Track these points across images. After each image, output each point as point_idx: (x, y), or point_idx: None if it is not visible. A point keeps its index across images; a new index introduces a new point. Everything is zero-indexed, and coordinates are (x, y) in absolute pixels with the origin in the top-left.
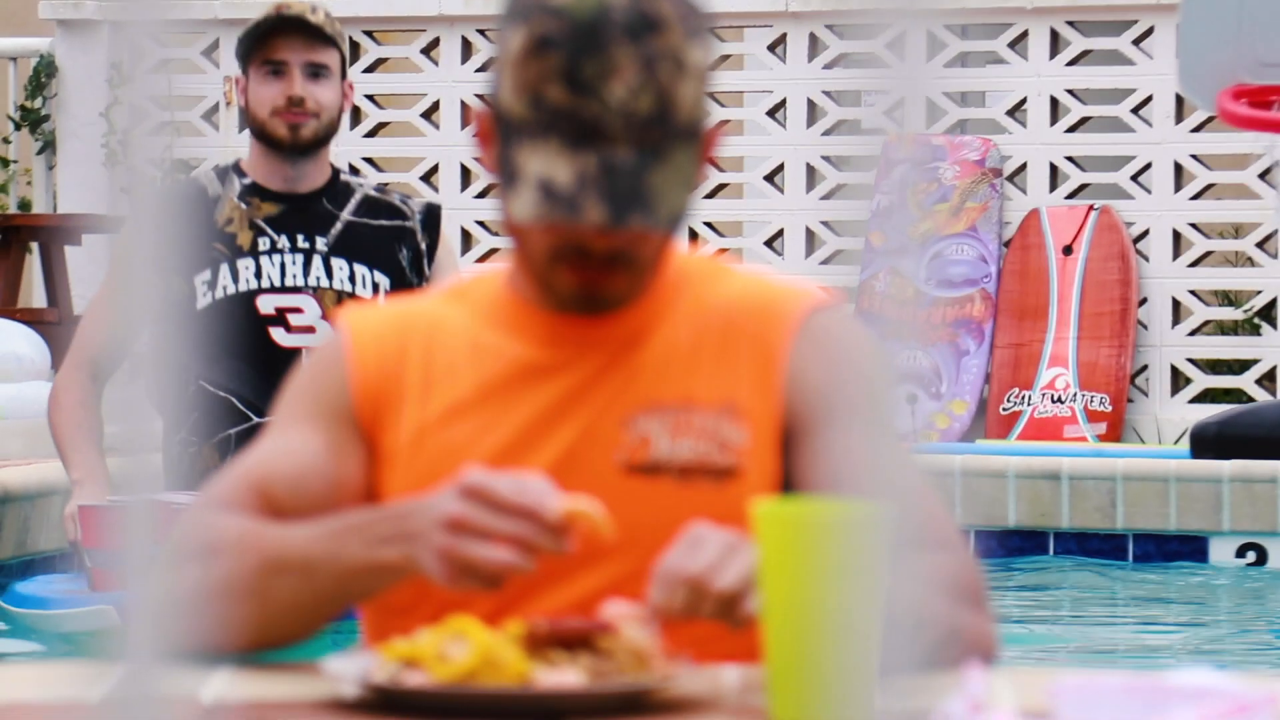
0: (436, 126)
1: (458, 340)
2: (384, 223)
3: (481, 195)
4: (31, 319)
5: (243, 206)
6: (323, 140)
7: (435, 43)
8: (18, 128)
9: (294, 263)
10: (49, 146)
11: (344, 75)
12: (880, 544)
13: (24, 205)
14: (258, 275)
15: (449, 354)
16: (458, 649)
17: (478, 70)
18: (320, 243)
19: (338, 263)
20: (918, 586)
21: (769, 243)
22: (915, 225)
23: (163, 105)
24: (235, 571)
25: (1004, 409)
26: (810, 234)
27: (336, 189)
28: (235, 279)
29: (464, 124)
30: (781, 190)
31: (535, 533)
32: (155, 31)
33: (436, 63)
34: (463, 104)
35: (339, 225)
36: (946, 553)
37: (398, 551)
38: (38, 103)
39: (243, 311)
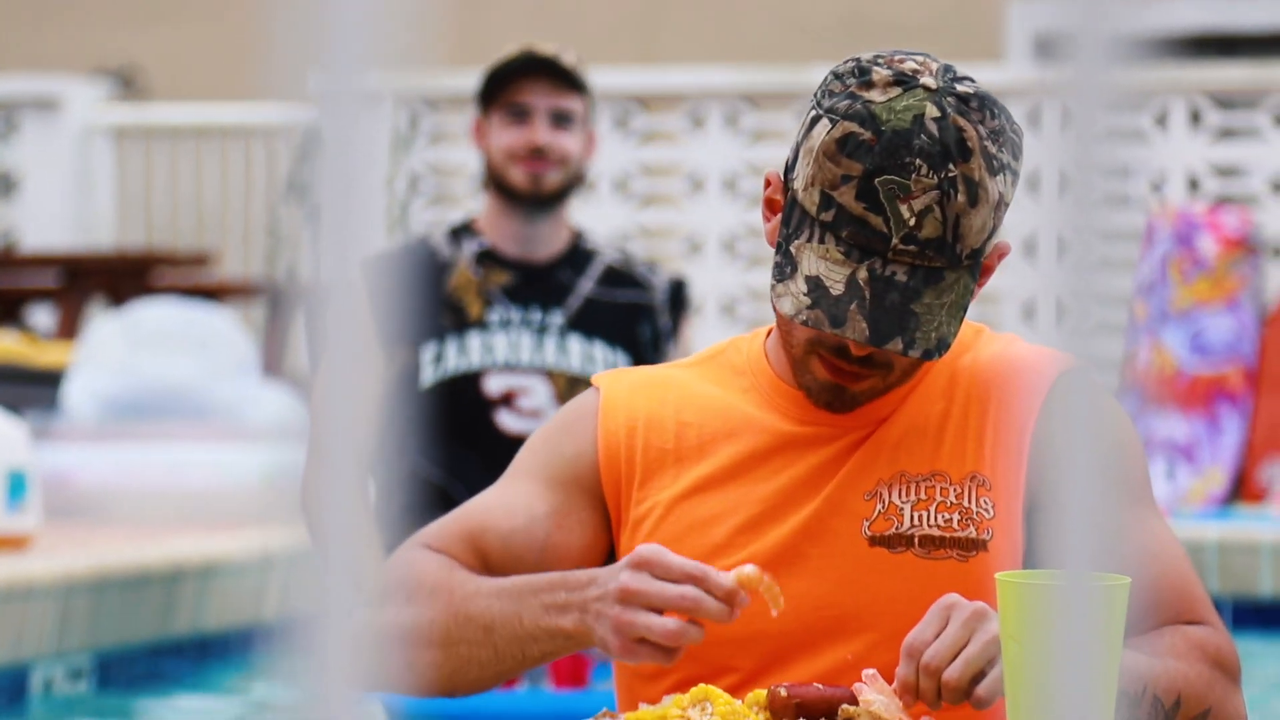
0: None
1: (712, 411)
2: (625, 298)
3: None
4: None
5: (475, 275)
6: (564, 193)
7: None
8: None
9: (527, 339)
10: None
11: (588, 124)
12: (1123, 616)
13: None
14: (487, 351)
15: (702, 425)
16: (702, 715)
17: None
18: (556, 316)
19: (574, 340)
20: (1179, 660)
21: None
22: (1176, 298)
23: (439, 175)
24: (426, 618)
25: (1260, 481)
26: (1063, 306)
27: (577, 255)
28: (463, 354)
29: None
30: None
31: (701, 598)
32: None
33: None
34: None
35: (577, 299)
36: (1204, 627)
37: (574, 621)
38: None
39: (468, 392)
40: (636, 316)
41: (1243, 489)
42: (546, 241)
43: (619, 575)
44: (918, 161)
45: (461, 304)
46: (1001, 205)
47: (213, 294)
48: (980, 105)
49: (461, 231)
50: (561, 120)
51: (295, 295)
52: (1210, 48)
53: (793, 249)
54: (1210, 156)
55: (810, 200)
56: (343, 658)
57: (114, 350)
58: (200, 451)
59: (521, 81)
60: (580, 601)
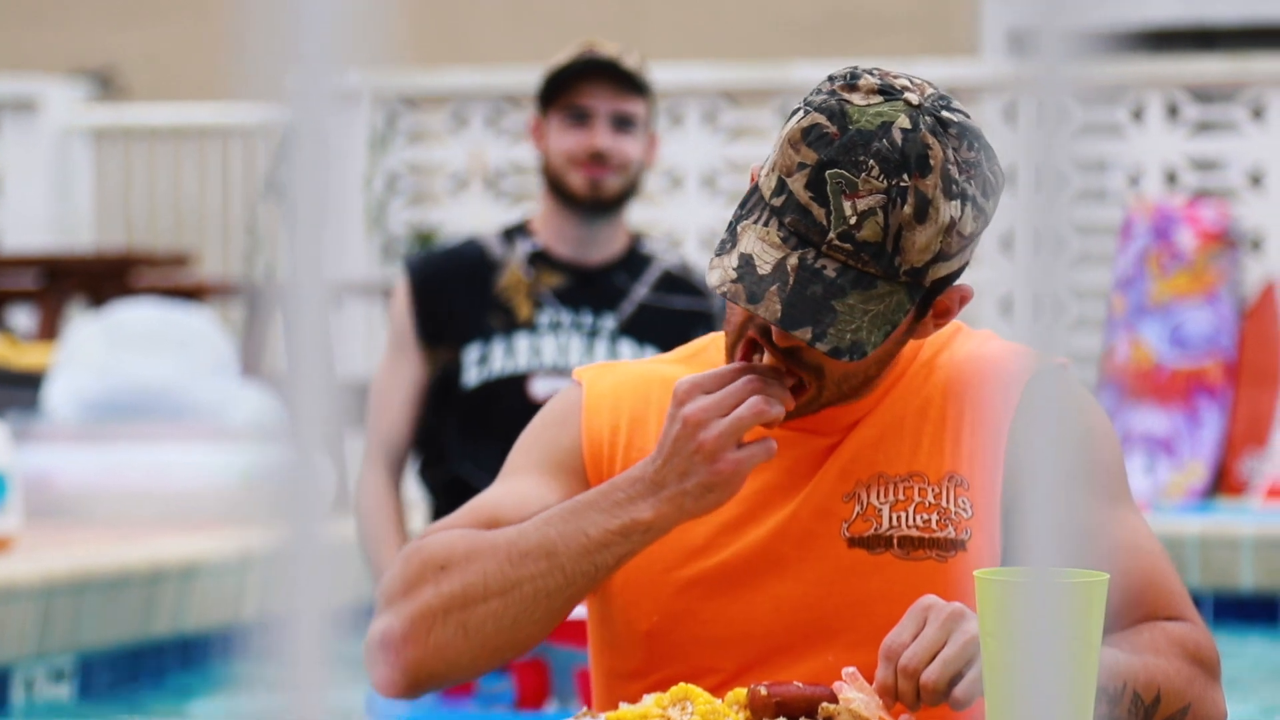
0: None
1: None
2: (682, 304)
3: None
4: None
5: (526, 276)
6: (623, 199)
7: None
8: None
9: (577, 343)
10: None
11: (649, 127)
12: (1102, 613)
13: None
14: (535, 354)
15: None
16: (682, 714)
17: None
18: (609, 320)
19: (626, 345)
20: (1159, 657)
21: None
22: (1154, 292)
23: (415, 174)
24: (475, 574)
25: (1240, 474)
26: (1040, 301)
27: (633, 260)
28: (510, 355)
29: None
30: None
31: (760, 371)
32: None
33: None
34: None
35: (631, 305)
36: (1183, 623)
37: (650, 506)
38: None
39: (513, 395)
40: (693, 324)
41: (1223, 482)
42: (603, 245)
43: (676, 418)
44: (871, 163)
45: (510, 305)
46: (954, 231)
47: (192, 294)
48: (960, 134)
49: (515, 232)
50: (623, 124)
51: (274, 295)
52: (1187, 41)
53: (739, 228)
54: (1187, 150)
55: (768, 185)
56: (320, 659)
57: (94, 351)
58: (180, 452)
59: (582, 84)
60: (648, 485)
